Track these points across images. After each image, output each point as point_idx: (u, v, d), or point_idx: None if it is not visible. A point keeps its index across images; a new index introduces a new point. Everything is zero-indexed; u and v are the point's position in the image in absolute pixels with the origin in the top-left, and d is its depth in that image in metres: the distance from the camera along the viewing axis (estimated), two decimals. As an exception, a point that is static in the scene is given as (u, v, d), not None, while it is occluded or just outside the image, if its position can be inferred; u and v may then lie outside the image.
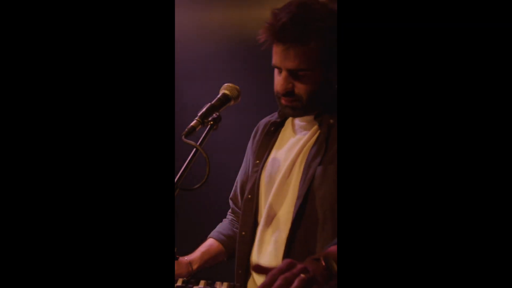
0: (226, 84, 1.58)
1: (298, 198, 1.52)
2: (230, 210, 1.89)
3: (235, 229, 1.79)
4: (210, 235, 1.84)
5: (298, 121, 1.65)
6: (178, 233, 1.55)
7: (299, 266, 1.07)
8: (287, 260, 1.09)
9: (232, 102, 1.56)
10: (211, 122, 1.47)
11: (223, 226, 1.86)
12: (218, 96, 1.54)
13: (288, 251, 1.50)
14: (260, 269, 1.13)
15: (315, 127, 1.59)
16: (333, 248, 1.22)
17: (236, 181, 1.84)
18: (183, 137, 1.41)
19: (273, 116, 1.74)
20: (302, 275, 1.04)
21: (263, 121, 1.79)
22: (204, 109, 1.48)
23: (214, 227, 1.88)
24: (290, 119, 1.68)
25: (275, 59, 1.55)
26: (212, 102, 1.51)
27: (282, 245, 1.52)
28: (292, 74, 1.53)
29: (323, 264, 1.12)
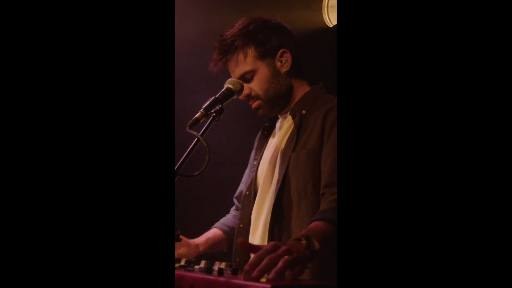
0: (230, 79, 1.68)
1: (277, 183, 1.66)
2: (234, 207, 2.03)
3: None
4: (214, 225, 1.97)
5: (280, 120, 1.82)
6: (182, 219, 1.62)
7: (284, 248, 1.14)
8: (272, 242, 1.17)
9: (235, 96, 1.66)
10: (213, 114, 1.55)
11: (227, 219, 2.01)
12: (222, 90, 1.63)
13: (272, 230, 1.61)
14: (244, 245, 1.22)
15: (291, 121, 1.74)
16: (313, 226, 1.34)
17: (241, 181, 1.99)
18: (187, 128, 1.48)
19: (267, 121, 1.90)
20: (286, 257, 1.11)
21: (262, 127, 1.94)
22: (208, 102, 1.56)
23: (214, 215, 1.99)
24: (278, 121, 1.84)
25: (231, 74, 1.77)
26: (216, 96, 1.59)
27: (266, 225, 1.63)
28: (243, 80, 1.73)
29: (304, 243, 1.21)
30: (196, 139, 1.46)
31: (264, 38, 1.72)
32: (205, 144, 1.43)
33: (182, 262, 1.29)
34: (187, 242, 1.81)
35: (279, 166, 1.68)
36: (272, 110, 1.76)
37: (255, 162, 1.84)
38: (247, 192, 1.80)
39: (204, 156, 1.41)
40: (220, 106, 1.58)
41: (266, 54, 1.71)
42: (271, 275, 1.08)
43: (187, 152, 1.44)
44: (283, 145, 1.71)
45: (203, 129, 1.51)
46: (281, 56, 1.72)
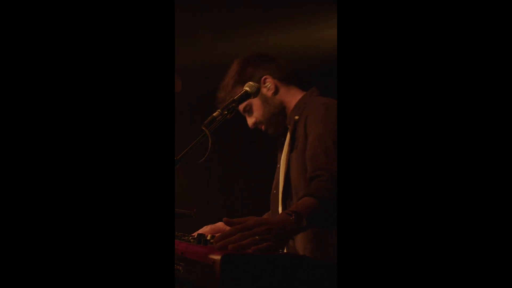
0: (249, 82, 1.91)
1: (283, 182, 1.98)
2: None
3: None
4: None
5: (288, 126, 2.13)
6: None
7: (262, 228, 1.31)
8: (256, 219, 1.35)
9: (252, 97, 1.90)
10: (225, 112, 1.75)
11: None
12: (241, 92, 1.86)
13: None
14: (228, 221, 1.39)
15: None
16: (301, 201, 1.53)
17: None
18: (202, 126, 1.69)
19: None
20: (256, 237, 1.27)
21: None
22: (226, 103, 1.79)
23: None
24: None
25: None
26: (234, 98, 1.82)
27: (278, 211, 1.97)
28: (246, 113, 2.11)
29: (293, 218, 1.42)
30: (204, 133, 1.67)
31: (249, 75, 2.05)
32: (208, 134, 1.61)
33: (178, 233, 1.53)
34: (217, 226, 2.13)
35: (285, 166, 1.98)
36: (277, 127, 2.10)
37: (278, 165, 2.14)
38: (274, 191, 2.11)
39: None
40: (234, 105, 1.78)
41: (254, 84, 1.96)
42: (230, 246, 1.23)
43: (192, 143, 1.63)
44: (285, 149, 2.01)
45: (215, 123, 1.69)
46: (265, 83, 2.06)
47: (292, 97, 2.08)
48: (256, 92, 1.89)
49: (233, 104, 1.79)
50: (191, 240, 1.45)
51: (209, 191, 3.12)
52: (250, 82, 1.90)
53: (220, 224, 2.14)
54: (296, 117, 1.99)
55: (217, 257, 1.15)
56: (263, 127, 2.12)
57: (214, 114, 1.73)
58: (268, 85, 2.07)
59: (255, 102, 2.06)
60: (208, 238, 1.41)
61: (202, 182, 3.03)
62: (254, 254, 1.24)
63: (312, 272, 1.21)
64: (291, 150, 1.96)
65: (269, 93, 2.07)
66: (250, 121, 2.11)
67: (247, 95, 1.87)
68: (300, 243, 1.89)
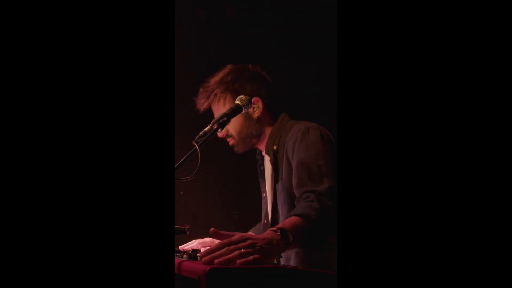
0: (240, 96, 1.90)
1: (272, 209, 2.00)
2: None
3: None
4: None
5: (265, 157, 2.12)
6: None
7: (249, 241, 1.31)
8: (240, 234, 1.35)
9: (243, 110, 1.88)
10: (216, 126, 1.75)
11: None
12: (232, 106, 1.85)
13: None
14: (214, 233, 1.39)
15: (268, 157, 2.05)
16: (287, 220, 1.54)
17: None
18: (193, 141, 1.69)
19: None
20: (242, 250, 1.27)
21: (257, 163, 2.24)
22: (217, 117, 1.78)
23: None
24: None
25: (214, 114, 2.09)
26: (226, 112, 1.81)
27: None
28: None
29: (279, 234, 1.42)
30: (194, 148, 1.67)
31: (239, 87, 2.02)
32: (199, 155, 1.61)
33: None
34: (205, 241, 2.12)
35: (270, 197, 1.98)
36: (244, 148, 2.09)
37: (264, 194, 2.13)
38: (265, 221, 2.10)
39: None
40: (225, 119, 1.77)
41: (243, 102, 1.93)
42: (217, 261, 1.22)
43: (183, 159, 1.63)
44: (269, 179, 2.01)
45: (205, 138, 1.69)
46: (254, 103, 2.02)
47: (269, 124, 2.07)
48: (247, 106, 1.88)
49: (224, 119, 1.77)
50: (184, 256, 1.44)
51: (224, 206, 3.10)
52: (242, 96, 1.88)
53: (208, 239, 2.11)
54: (274, 147, 1.99)
55: (202, 272, 1.14)
56: (231, 142, 2.09)
57: (206, 129, 1.72)
58: (257, 107, 2.04)
59: (238, 117, 1.95)
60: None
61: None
62: (240, 268, 1.22)
63: (300, 284, 1.19)
64: (276, 180, 1.97)
65: (255, 115, 2.05)
66: (224, 130, 1.97)
67: (238, 109, 1.84)
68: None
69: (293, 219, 1.54)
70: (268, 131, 2.05)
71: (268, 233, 1.42)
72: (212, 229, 1.41)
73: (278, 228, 1.44)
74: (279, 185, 1.92)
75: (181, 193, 1.72)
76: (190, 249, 1.53)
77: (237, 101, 1.87)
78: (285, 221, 1.53)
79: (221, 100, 2.05)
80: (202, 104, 2.09)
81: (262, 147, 2.10)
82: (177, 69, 1.37)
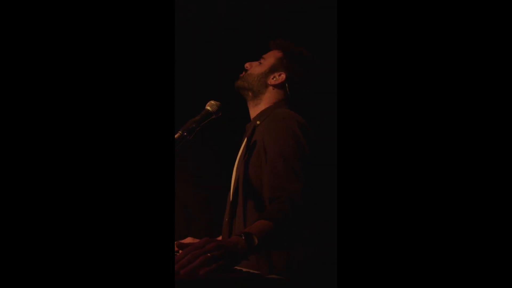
0: (210, 101, 1.86)
1: (233, 185, 1.88)
2: None
3: None
4: None
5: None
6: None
7: (213, 244, 1.28)
8: (205, 239, 1.32)
9: (213, 116, 1.83)
10: (185, 134, 1.69)
11: None
12: (202, 112, 1.81)
13: (230, 227, 1.84)
14: (178, 244, 1.35)
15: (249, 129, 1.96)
16: (255, 224, 1.49)
17: None
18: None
19: None
20: (208, 254, 1.24)
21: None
22: (186, 124, 1.73)
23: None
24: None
25: None
26: (195, 118, 1.76)
27: (227, 223, 1.86)
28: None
29: (243, 238, 1.38)
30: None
31: (290, 65, 2.03)
32: None
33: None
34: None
35: (236, 172, 1.90)
36: (241, 89, 2.06)
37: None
38: (226, 219, 2.00)
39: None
40: (195, 125, 1.71)
41: (276, 66, 2.01)
42: (183, 271, 1.20)
43: None
44: (240, 152, 1.94)
45: (175, 145, 1.64)
46: (280, 75, 1.99)
47: (270, 100, 2.03)
48: (218, 111, 1.83)
49: (193, 125, 1.72)
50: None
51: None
52: (212, 101, 1.84)
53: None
54: (258, 122, 1.94)
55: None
56: (242, 74, 2.08)
57: (176, 136, 1.67)
58: (278, 76, 2.03)
59: (262, 65, 2.03)
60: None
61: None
62: (206, 279, 1.20)
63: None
64: (244, 156, 1.86)
65: (270, 81, 2.03)
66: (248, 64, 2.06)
67: (208, 115, 1.80)
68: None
69: (260, 223, 1.49)
70: (264, 104, 2.02)
71: (233, 237, 1.40)
72: (176, 242, 1.38)
73: (242, 233, 1.40)
74: (248, 162, 1.82)
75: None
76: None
77: (207, 107, 1.83)
78: (252, 226, 1.48)
79: (274, 51, 2.07)
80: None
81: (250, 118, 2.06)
82: (177, 69, 1.35)
